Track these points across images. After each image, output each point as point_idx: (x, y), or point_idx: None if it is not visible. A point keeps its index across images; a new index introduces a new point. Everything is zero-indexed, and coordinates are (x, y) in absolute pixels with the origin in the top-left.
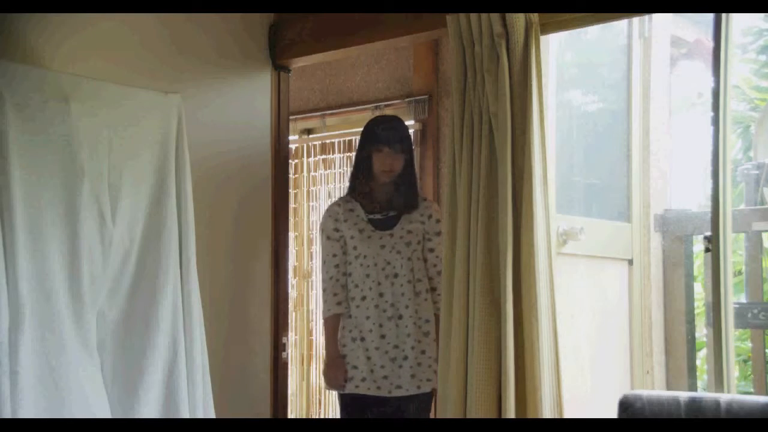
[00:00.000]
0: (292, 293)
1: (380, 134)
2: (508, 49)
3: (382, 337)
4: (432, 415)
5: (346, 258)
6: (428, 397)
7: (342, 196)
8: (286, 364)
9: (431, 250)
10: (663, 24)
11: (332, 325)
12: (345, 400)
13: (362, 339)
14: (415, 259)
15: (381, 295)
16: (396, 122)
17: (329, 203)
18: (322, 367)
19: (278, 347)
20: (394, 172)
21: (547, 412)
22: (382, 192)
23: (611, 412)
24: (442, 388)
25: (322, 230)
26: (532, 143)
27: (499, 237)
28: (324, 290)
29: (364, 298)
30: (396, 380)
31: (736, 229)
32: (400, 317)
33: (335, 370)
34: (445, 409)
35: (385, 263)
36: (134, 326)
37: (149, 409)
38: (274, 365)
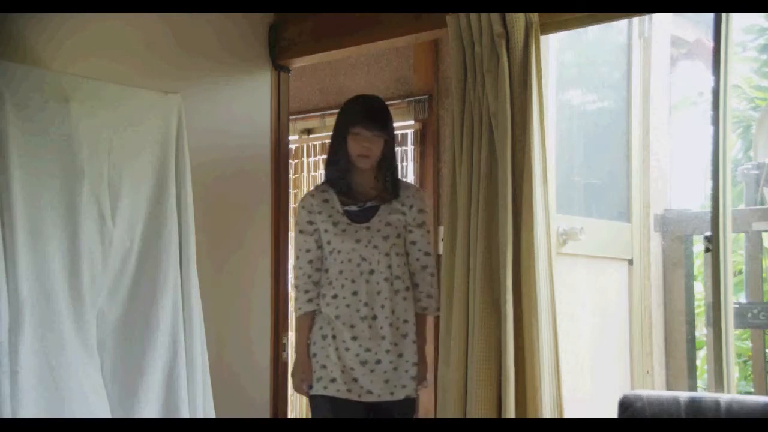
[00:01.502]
0: (292, 293)
1: (356, 115)
2: (508, 49)
3: (354, 338)
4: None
5: (322, 253)
6: (403, 405)
7: (318, 184)
8: (286, 364)
9: (413, 243)
10: (663, 24)
11: (303, 324)
12: (313, 402)
13: (333, 337)
14: (393, 254)
15: (355, 293)
16: (374, 101)
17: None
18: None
19: (278, 347)
20: (372, 158)
21: (547, 413)
22: (360, 180)
23: (611, 412)
24: (442, 388)
25: (296, 223)
26: (532, 143)
27: (499, 237)
28: (296, 287)
29: (335, 296)
30: (367, 384)
31: (736, 229)
32: (375, 318)
33: (299, 373)
34: (446, 409)
35: (360, 259)
36: (134, 326)
37: (149, 409)
38: (274, 365)
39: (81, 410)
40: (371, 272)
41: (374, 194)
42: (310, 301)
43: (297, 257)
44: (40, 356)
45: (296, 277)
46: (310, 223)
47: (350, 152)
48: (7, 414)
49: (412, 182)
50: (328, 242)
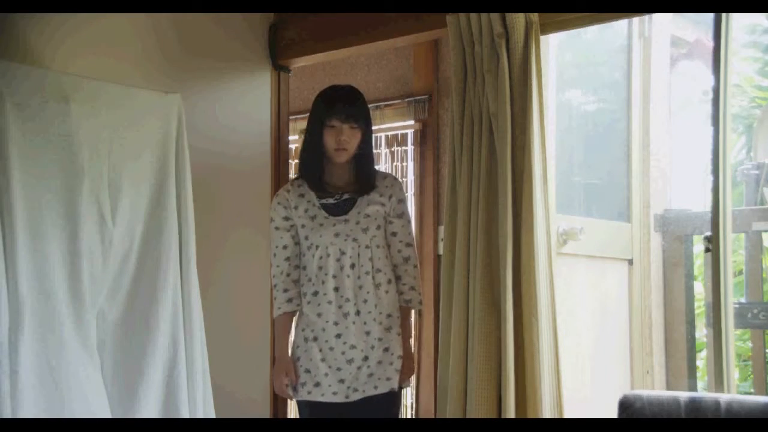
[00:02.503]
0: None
1: (332, 106)
2: (508, 49)
3: (338, 336)
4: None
5: (299, 249)
6: (386, 399)
7: (292, 179)
8: None
9: (394, 234)
10: (663, 24)
11: (282, 324)
12: (300, 408)
13: (315, 339)
14: (374, 246)
15: (336, 289)
16: (350, 91)
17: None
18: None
19: None
20: (349, 151)
21: (547, 412)
22: (335, 173)
23: (611, 412)
24: (442, 388)
25: (271, 219)
26: (532, 143)
27: (499, 237)
28: (274, 286)
29: (316, 293)
30: (353, 383)
31: (736, 229)
32: (358, 313)
33: (280, 375)
34: (446, 409)
35: (339, 253)
36: (134, 326)
37: (149, 409)
38: (273, 365)
39: (81, 410)
40: (352, 266)
41: (351, 186)
42: (289, 300)
43: (274, 255)
44: (40, 356)
45: (274, 276)
46: (286, 218)
47: (327, 146)
48: (7, 414)
49: (411, 182)
50: (306, 237)
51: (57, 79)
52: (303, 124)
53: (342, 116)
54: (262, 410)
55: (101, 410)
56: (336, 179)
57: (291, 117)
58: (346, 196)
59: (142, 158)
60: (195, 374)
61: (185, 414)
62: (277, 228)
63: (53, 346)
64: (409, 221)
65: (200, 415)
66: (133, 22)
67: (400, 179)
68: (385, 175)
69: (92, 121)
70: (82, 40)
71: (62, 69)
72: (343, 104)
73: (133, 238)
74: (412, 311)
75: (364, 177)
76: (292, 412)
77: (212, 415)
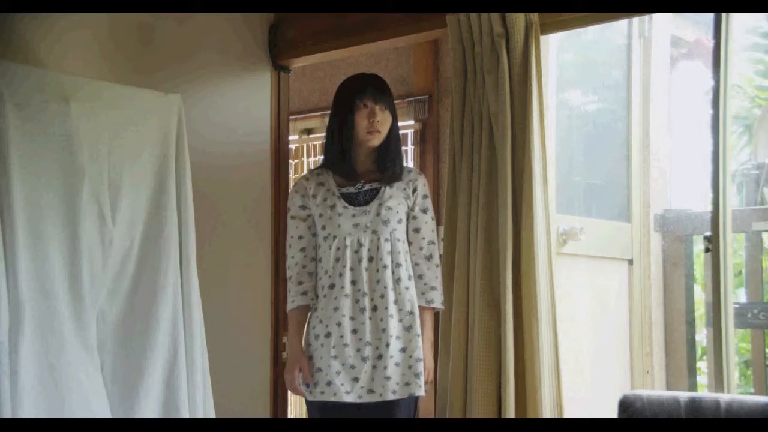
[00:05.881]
0: None
1: (363, 87)
2: (508, 49)
3: (354, 332)
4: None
5: (315, 241)
6: (405, 405)
7: (312, 168)
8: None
9: (417, 231)
10: (663, 24)
11: (296, 318)
12: (310, 409)
13: (328, 335)
14: (395, 240)
15: (353, 282)
16: (378, 77)
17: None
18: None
19: (278, 347)
20: (382, 134)
21: (547, 412)
22: (362, 160)
23: (611, 412)
24: (442, 388)
25: (288, 209)
26: (532, 143)
27: (499, 237)
28: (289, 278)
29: (332, 286)
30: (368, 383)
31: (736, 229)
32: (375, 309)
33: (293, 371)
34: (445, 408)
35: (357, 245)
36: (134, 326)
37: (149, 409)
38: (274, 365)
39: (81, 410)
40: (370, 259)
41: (374, 176)
42: (304, 294)
43: (289, 246)
44: (40, 356)
45: (288, 268)
46: (303, 207)
47: (358, 128)
48: (7, 414)
49: None
50: (323, 227)
51: (57, 79)
52: (303, 124)
53: (374, 96)
54: (262, 410)
55: (101, 410)
56: (361, 166)
57: (291, 117)
58: (367, 186)
59: (142, 158)
60: (195, 374)
61: (185, 414)
62: (293, 217)
63: (53, 346)
64: (433, 218)
65: (200, 415)
66: (133, 22)
67: None
68: (410, 169)
69: (92, 121)
70: (81, 40)
71: (62, 69)
72: (374, 86)
73: (133, 238)
74: (436, 312)
75: (391, 166)
76: (293, 411)
77: (212, 415)
